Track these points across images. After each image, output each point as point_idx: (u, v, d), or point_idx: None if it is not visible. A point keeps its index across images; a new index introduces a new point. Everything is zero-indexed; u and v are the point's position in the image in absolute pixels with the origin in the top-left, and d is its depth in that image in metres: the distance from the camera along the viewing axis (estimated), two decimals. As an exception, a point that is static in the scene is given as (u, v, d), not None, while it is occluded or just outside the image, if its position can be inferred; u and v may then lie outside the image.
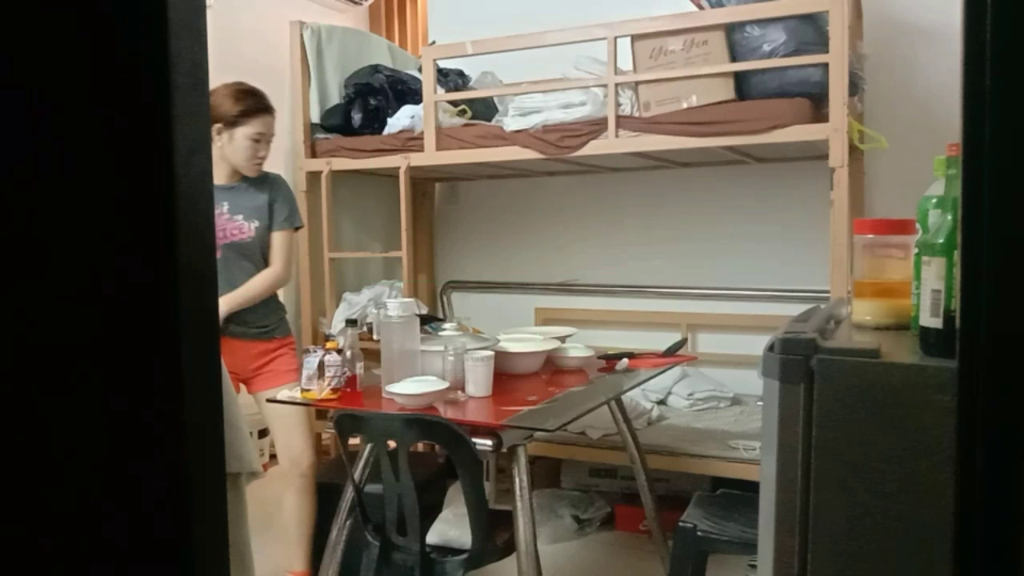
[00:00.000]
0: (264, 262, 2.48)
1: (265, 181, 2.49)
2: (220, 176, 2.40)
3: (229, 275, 2.39)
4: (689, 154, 3.06)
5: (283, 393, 2.18)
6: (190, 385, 0.58)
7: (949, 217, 0.98)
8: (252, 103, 2.39)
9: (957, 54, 0.69)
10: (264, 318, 2.48)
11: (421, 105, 3.24)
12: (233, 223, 2.42)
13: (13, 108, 0.55)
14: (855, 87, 2.69)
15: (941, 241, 0.97)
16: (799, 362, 0.98)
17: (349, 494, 2.13)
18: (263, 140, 2.41)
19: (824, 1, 2.53)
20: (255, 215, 2.44)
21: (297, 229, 2.56)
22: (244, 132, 2.36)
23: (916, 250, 1.08)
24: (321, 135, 3.51)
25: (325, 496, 2.46)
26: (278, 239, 2.49)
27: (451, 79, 3.48)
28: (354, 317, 2.80)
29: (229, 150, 2.38)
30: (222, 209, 2.40)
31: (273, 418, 2.45)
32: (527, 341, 2.33)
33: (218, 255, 2.39)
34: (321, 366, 2.03)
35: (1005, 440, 0.70)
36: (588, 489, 3.31)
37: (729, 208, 3.51)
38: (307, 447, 2.47)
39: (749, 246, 3.46)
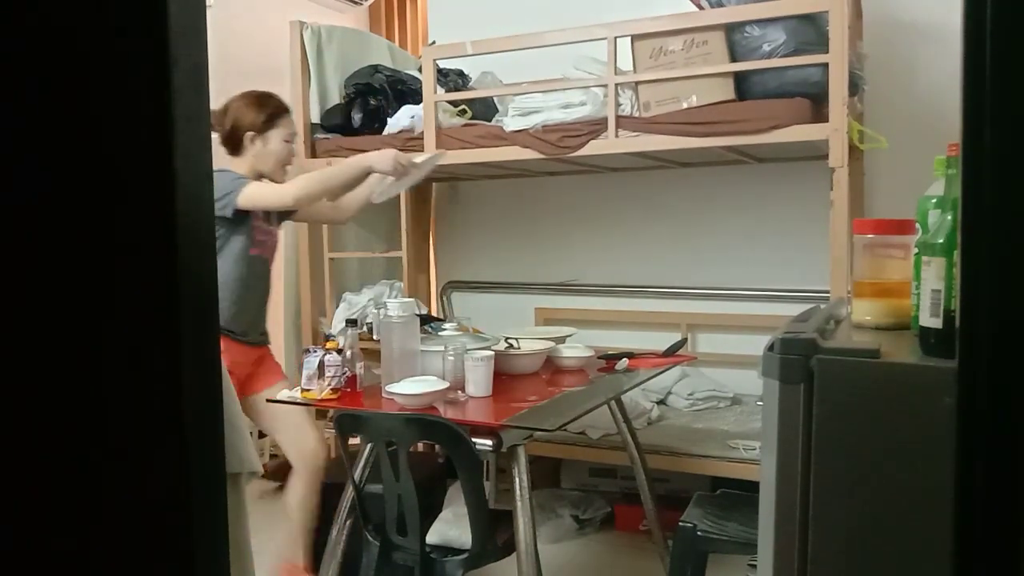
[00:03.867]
0: None
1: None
2: None
3: (263, 286, 2.37)
4: (689, 154, 3.06)
5: (283, 393, 2.17)
6: (190, 385, 0.58)
7: (949, 217, 0.98)
8: (277, 104, 2.36)
9: (957, 54, 0.69)
10: (265, 325, 2.48)
11: (421, 105, 3.23)
12: (275, 234, 2.41)
13: (12, 108, 0.55)
14: (855, 87, 2.69)
15: (941, 241, 0.97)
16: (799, 362, 0.98)
17: (349, 494, 2.13)
18: (292, 140, 2.38)
19: (824, 1, 2.52)
20: (278, 220, 2.43)
21: None
22: (278, 134, 2.33)
23: (916, 250, 1.08)
24: (321, 135, 3.51)
25: (325, 495, 2.44)
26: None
27: (451, 79, 3.48)
28: (354, 317, 2.80)
29: (263, 156, 2.32)
30: (272, 222, 2.37)
31: (277, 418, 2.40)
32: (527, 341, 2.34)
33: (271, 266, 2.39)
34: (321, 366, 2.03)
35: (1005, 440, 0.70)
36: (588, 489, 3.31)
37: (729, 208, 3.50)
38: (320, 442, 2.42)
39: (749, 246, 3.46)
